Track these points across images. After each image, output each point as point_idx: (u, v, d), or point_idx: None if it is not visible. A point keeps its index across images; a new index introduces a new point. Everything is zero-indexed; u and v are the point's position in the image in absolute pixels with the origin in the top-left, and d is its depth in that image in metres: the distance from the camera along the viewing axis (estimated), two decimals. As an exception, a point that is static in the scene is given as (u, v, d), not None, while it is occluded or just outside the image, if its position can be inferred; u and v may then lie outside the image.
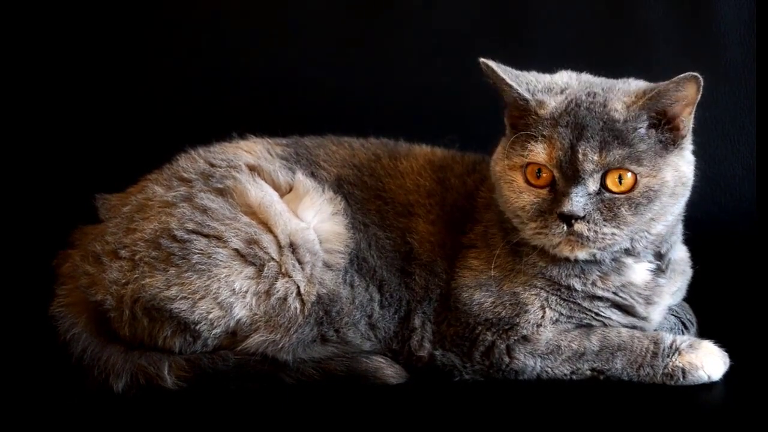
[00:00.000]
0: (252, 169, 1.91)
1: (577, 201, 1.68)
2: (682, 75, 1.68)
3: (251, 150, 1.97)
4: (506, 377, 1.81)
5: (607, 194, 1.70)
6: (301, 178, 1.91)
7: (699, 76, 1.68)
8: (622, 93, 1.75)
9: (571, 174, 1.70)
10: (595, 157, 1.69)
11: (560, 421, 1.68)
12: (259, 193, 1.85)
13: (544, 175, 1.73)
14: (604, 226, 1.70)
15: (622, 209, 1.70)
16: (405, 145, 2.06)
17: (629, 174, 1.70)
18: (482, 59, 1.76)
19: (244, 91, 2.61)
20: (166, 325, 1.81)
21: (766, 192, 2.41)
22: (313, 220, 1.87)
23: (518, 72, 1.80)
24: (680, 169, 1.75)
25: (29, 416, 1.74)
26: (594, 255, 1.76)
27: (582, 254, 1.75)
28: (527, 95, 1.76)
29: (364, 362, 1.83)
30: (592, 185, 1.70)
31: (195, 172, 1.90)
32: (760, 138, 2.45)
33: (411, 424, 1.69)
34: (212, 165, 1.92)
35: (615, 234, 1.71)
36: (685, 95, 1.70)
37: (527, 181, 1.75)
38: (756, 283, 2.26)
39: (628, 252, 1.79)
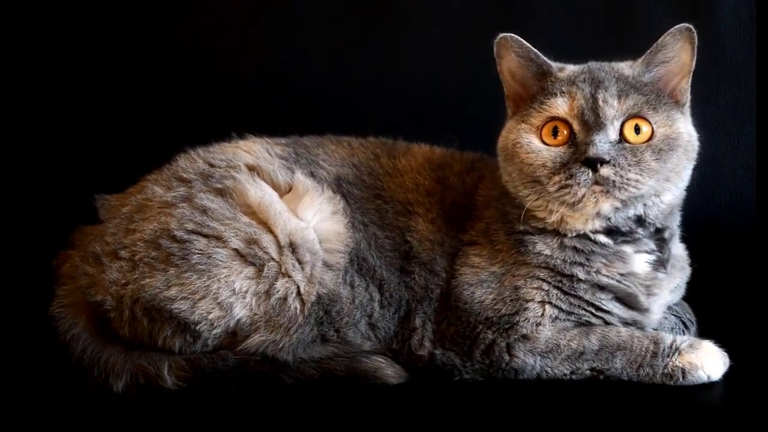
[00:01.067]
0: (251, 169, 1.91)
1: (602, 146, 1.70)
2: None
3: (250, 150, 1.97)
4: (506, 376, 1.81)
5: (627, 144, 1.73)
6: (301, 178, 1.91)
7: (691, 27, 1.75)
8: (624, 62, 1.83)
9: (593, 121, 1.72)
10: (615, 103, 1.73)
11: (560, 421, 1.68)
12: (259, 193, 1.85)
13: (561, 134, 1.76)
14: (629, 170, 1.71)
15: (646, 155, 1.72)
16: (404, 144, 2.06)
17: (646, 125, 1.73)
18: (504, 34, 1.81)
19: (244, 91, 2.61)
20: (166, 326, 1.81)
21: (766, 192, 2.42)
22: (313, 219, 1.87)
23: None
24: (689, 128, 1.80)
25: (29, 416, 1.74)
26: (617, 209, 1.76)
27: (606, 206, 1.75)
28: (550, 61, 1.82)
29: (364, 362, 1.83)
30: (613, 133, 1.73)
31: (194, 173, 1.90)
32: (760, 138, 2.45)
33: (411, 424, 1.69)
34: (212, 165, 1.92)
35: (639, 181, 1.72)
36: (684, 48, 1.76)
37: (543, 142, 1.77)
38: (756, 283, 2.26)
39: (639, 221, 1.79)
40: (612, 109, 1.73)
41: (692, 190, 1.87)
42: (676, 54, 1.77)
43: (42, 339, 1.89)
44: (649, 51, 1.78)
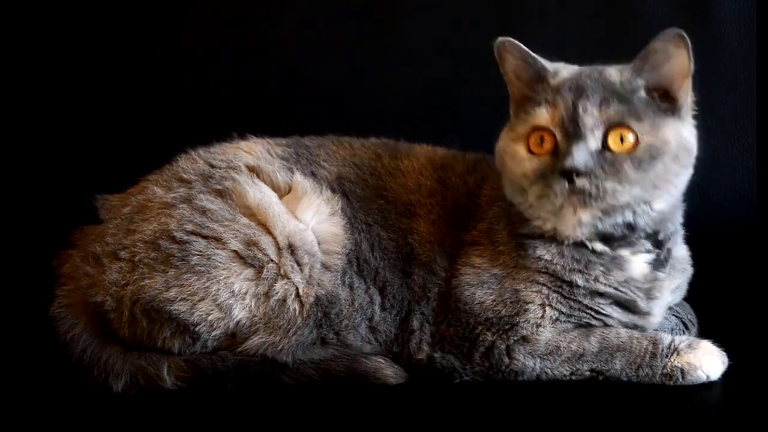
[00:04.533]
0: (251, 169, 1.91)
1: (578, 156, 1.69)
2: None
3: (251, 150, 1.97)
4: (506, 378, 1.80)
5: (608, 153, 1.71)
6: (300, 179, 1.91)
7: (682, 32, 1.71)
8: (616, 67, 1.80)
9: (572, 131, 1.71)
10: (595, 112, 1.71)
11: (560, 422, 1.68)
12: (258, 194, 1.85)
13: (546, 142, 1.75)
14: (606, 181, 1.70)
15: (625, 165, 1.70)
16: (406, 145, 2.06)
17: (630, 135, 1.71)
18: (502, 38, 1.80)
19: (244, 91, 2.60)
20: (165, 327, 1.81)
21: (766, 192, 2.41)
22: (312, 221, 1.87)
23: None
24: (682, 134, 1.76)
25: (29, 416, 1.74)
26: (599, 218, 1.75)
27: (585, 216, 1.74)
28: (548, 65, 1.81)
29: (364, 363, 1.83)
30: (593, 143, 1.71)
31: (195, 173, 1.90)
32: (760, 138, 2.45)
33: (411, 424, 1.69)
34: (212, 166, 1.92)
35: (617, 191, 1.71)
36: (677, 52, 1.73)
37: (530, 151, 1.77)
38: (756, 283, 2.26)
39: (630, 227, 1.78)
40: (591, 118, 1.71)
41: (692, 190, 1.87)
42: (668, 58, 1.74)
43: (42, 339, 1.89)
44: (638, 56, 1.76)
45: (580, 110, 1.72)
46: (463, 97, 2.55)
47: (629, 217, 1.76)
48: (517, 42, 1.80)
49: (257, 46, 2.62)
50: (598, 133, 1.71)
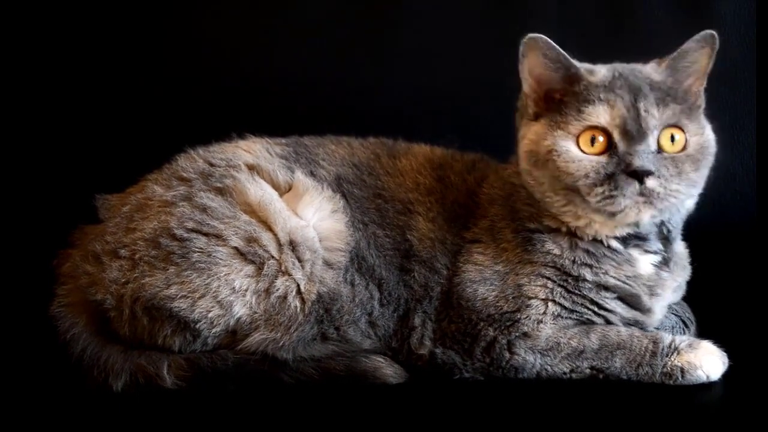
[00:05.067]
0: (251, 168, 1.91)
1: (647, 157, 1.69)
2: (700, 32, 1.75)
3: (250, 149, 1.97)
4: (506, 375, 1.80)
5: (665, 154, 1.72)
6: (300, 177, 1.91)
7: (714, 33, 1.74)
8: (649, 65, 1.80)
9: (634, 132, 1.71)
10: (656, 112, 1.71)
11: (560, 420, 1.68)
12: (259, 191, 1.85)
13: (599, 142, 1.73)
14: (672, 181, 1.71)
15: (686, 165, 1.72)
16: (404, 144, 2.06)
17: (679, 134, 1.73)
18: (531, 35, 1.76)
19: (244, 91, 2.61)
20: (165, 324, 1.81)
21: (766, 192, 2.42)
22: (313, 218, 1.87)
23: None
24: (712, 134, 1.80)
25: (29, 416, 1.74)
26: (654, 218, 1.76)
27: (647, 216, 1.74)
28: (578, 64, 1.78)
29: (364, 362, 1.83)
30: (653, 143, 1.71)
31: (194, 172, 1.90)
32: (760, 138, 2.45)
33: (411, 424, 1.69)
34: (211, 164, 1.92)
35: (680, 191, 1.72)
36: (705, 53, 1.75)
37: (581, 150, 1.75)
38: (756, 282, 2.26)
39: (660, 228, 1.81)
40: (654, 119, 1.71)
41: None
42: (698, 59, 1.76)
43: (42, 339, 1.89)
44: (672, 56, 1.76)
45: (642, 110, 1.71)
46: (462, 97, 2.55)
47: (667, 215, 1.78)
48: (548, 39, 1.76)
49: (257, 46, 2.62)
50: (657, 134, 1.72)
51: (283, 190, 1.90)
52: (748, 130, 2.48)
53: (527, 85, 1.81)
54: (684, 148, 1.73)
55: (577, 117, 1.75)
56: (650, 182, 1.69)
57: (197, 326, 1.79)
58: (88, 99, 2.62)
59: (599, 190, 1.72)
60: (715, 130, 1.81)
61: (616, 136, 1.72)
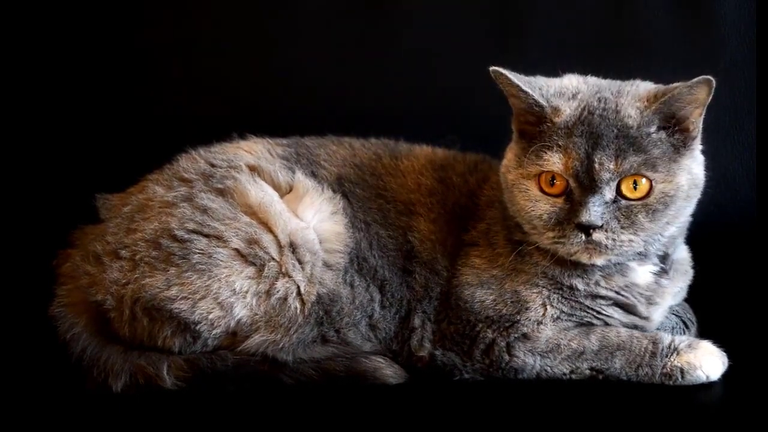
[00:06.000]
0: (252, 169, 1.91)
1: (595, 211, 1.69)
2: (695, 78, 1.68)
3: (252, 150, 1.97)
4: (506, 376, 1.81)
5: (623, 201, 1.70)
6: (301, 178, 1.91)
7: (712, 79, 1.68)
8: (632, 97, 1.74)
9: (587, 183, 1.70)
10: (611, 166, 1.68)
11: (560, 421, 1.68)
12: (260, 193, 1.85)
13: (558, 183, 1.73)
14: (622, 233, 1.70)
15: (639, 216, 1.71)
16: (406, 145, 2.06)
17: (644, 180, 1.70)
18: (493, 67, 1.75)
19: (244, 91, 2.61)
20: (166, 325, 1.81)
21: (766, 192, 2.42)
22: (313, 219, 1.87)
23: (529, 78, 1.80)
24: (693, 171, 1.76)
25: (29, 416, 1.74)
26: (610, 261, 1.76)
27: (600, 261, 1.75)
28: (543, 101, 1.75)
29: (363, 362, 1.83)
30: (609, 194, 1.70)
31: (195, 173, 1.90)
32: (760, 138, 2.45)
33: (411, 424, 1.69)
34: (213, 165, 1.92)
35: (632, 240, 1.71)
36: (697, 98, 1.71)
37: (541, 190, 1.75)
38: (756, 282, 2.26)
39: (640, 254, 1.79)
40: (608, 172, 1.69)
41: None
42: (691, 102, 1.71)
43: (42, 339, 1.89)
44: (661, 101, 1.70)
45: (596, 164, 1.69)
46: (462, 98, 2.54)
47: (640, 249, 1.77)
48: (505, 72, 1.74)
49: (259, 46, 2.61)
50: (613, 185, 1.70)
51: (284, 191, 1.90)
52: (748, 130, 2.47)
53: (510, 101, 1.81)
54: (647, 194, 1.70)
55: (536, 161, 1.74)
56: (596, 235, 1.69)
57: (198, 327, 1.79)
58: (88, 99, 2.61)
59: (550, 234, 1.74)
60: (715, 130, 1.80)
61: (573, 184, 1.72)
